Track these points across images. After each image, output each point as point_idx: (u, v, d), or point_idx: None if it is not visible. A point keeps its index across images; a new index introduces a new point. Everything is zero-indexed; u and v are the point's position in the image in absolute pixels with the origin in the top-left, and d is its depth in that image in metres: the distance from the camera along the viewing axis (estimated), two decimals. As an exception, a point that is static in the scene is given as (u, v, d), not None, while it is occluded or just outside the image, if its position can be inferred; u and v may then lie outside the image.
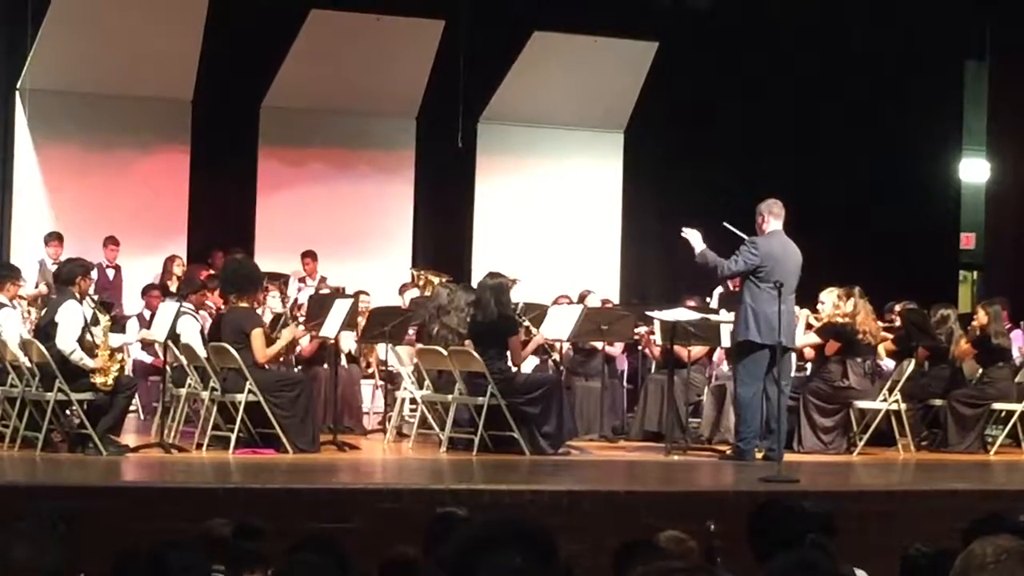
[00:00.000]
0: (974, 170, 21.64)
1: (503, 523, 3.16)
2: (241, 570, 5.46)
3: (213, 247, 18.07)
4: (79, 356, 11.24)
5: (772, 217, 12.27)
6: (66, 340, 11.25)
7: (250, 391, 11.70)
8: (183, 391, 12.55)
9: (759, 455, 12.18)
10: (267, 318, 12.99)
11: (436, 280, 15.40)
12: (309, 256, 18.30)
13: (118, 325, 14.79)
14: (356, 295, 14.20)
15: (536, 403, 12.28)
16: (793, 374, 14.12)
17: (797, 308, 13.71)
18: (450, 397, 12.44)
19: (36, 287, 15.44)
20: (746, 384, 12.21)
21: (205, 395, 12.10)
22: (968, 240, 22.08)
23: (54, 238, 16.65)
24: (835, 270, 14.59)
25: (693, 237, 12.40)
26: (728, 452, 12.51)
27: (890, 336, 14.35)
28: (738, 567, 5.42)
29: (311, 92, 18.60)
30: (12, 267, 13.62)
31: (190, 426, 12.64)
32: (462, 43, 18.53)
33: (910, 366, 13.49)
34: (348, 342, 14.80)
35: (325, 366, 14.09)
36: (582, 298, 15.38)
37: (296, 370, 13.76)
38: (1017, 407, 13.83)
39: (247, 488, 9.57)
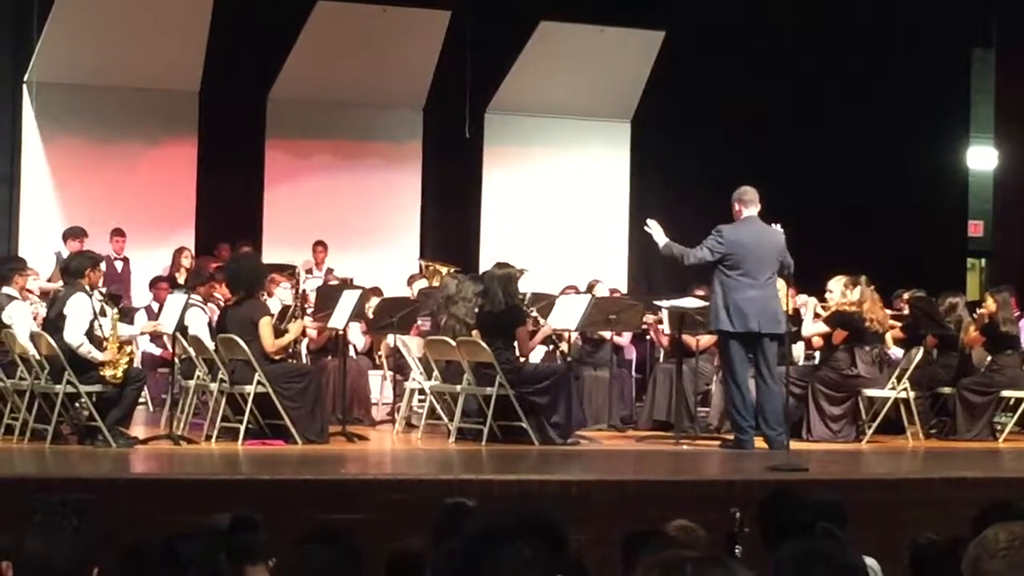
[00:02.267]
0: (982, 158, 21.62)
1: (513, 514, 3.16)
2: (243, 562, 5.47)
3: (220, 239, 18.08)
4: (87, 349, 11.25)
5: (743, 205, 12.30)
6: (74, 333, 11.26)
7: (259, 382, 11.72)
8: (192, 383, 12.57)
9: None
10: (277, 309, 12.99)
11: (444, 271, 15.40)
12: (320, 245, 18.33)
13: (126, 317, 14.82)
14: (367, 292, 14.16)
15: (545, 393, 12.28)
16: (801, 363, 14.15)
17: (804, 296, 13.73)
18: (459, 388, 12.44)
19: (49, 280, 15.42)
20: (728, 375, 12.30)
21: (214, 387, 12.11)
22: (976, 228, 22.07)
23: (80, 233, 16.56)
24: (843, 259, 14.58)
25: (655, 230, 12.35)
26: (730, 440, 12.53)
27: (898, 324, 14.35)
28: (754, 555, 5.43)
29: (318, 84, 18.61)
30: (19, 259, 13.62)
31: (199, 418, 12.65)
32: (468, 34, 18.52)
33: (918, 354, 13.49)
34: (357, 334, 14.80)
35: (330, 357, 14.12)
36: (590, 288, 15.38)
37: (305, 361, 13.79)
38: (1026, 395, 13.84)
39: (256, 479, 9.58)
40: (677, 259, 12.32)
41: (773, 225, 12.36)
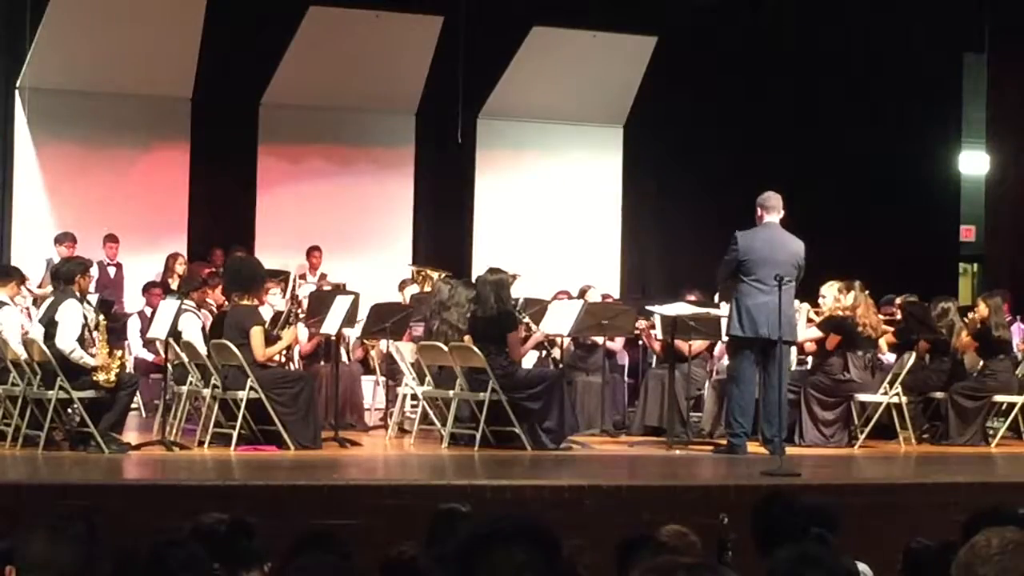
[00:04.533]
0: (974, 163, 21.65)
1: (506, 519, 3.16)
2: (238, 568, 5.46)
3: (213, 245, 18.09)
4: (80, 355, 11.24)
5: (764, 211, 12.30)
6: (66, 339, 11.25)
7: (251, 388, 11.70)
8: (185, 389, 12.54)
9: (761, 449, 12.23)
10: (268, 315, 12.98)
11: (435, 276, 15.39)
12: (317, 250, 18.29)
13: (118, 322, 14.81)
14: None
15: (537, 398, 12.27)
16: (794, 368, 14.14)
17: (797, 302, 13.71)
18: (451, 393, 12.43)
19: (40, 286, 15.41)
20: (733, 378, 12.33)
21: (207, 392, 12.09)
22: (968, 232, 22.09)
23: (67, 238, 16.58)
24: (835, 264, 14.58)
25: None
26: (722, 445, 12.56)
27: (891, 329, 14.35)
28: (745, 560, 5.43)
29: (310, 89, 18.61)
30: (10, 266, 13.63)
31: (192, 423, 12.63)
32: (461, 39, 18.52)
33: (911, 359, 13.50)
34: (350, 340, 14.79)
35: (323, 363, 14.11)
36: (582, 293, 15.38)
37: (297, 366, 13.78)
38: (1018, 399, 13.84)
39: (249, 485, 9.57)
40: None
41: None
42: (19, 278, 12.76)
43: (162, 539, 4.89)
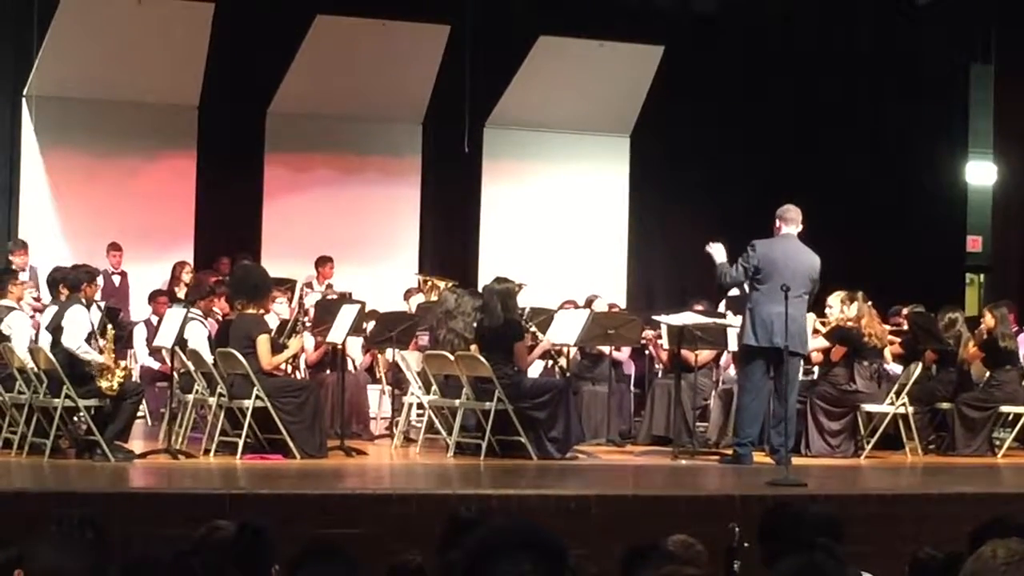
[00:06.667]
0: (980, 173, 21.60)
1: (512, 528, 3.16)
2: (247, 569, 5.45)
3: (219, 253, 18.09)
4: (86, 350, 11.25)
5: (783, 223, 12.32)
6: (73, 338, 11.27)
7: (257, 397, 11.71)
8: (191, 397, 12.56)
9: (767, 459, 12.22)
10: (274, 324, 12.98)
11: (442, 285, 15.40)
12: (329, 261, 18.19)
13: (124, 330, 14.81)
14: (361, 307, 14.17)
15: (543, 408, 12.27)
16: (800, 378, 14.13)
17: (804, 312, 13.71)
18: (457, 402, 12.44)
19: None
20: (744, 387, 12.31)
21: (212, 401, 12.10)
22: (975, 243, 22.04)
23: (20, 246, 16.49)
24: (842, 274, 14.58)
25: (716, 251, 12.31)
26: (728, 455, 12.56)
27: (897, 339, 14.34)
28: (753, 571, 5.42)
29: (317, 98, 18.61)
30: (8, 270, 13.66)
31: (198, 432, 12.64)
32: (468, 48, 18.53)
33: (917, 369, 13.48)
34: (356, 348, 14.79)
35: (329, 372, 14.10)
36: (589, 303, 15.38)
37: (303, 375, 13.78)
38: (1024, 410, 13.83)
39: (255, 494, 9.57)
40: (721, 277, 12.40)
41: None
42: (12, 278, 12.79)
43: (173, 548, 4.88)
